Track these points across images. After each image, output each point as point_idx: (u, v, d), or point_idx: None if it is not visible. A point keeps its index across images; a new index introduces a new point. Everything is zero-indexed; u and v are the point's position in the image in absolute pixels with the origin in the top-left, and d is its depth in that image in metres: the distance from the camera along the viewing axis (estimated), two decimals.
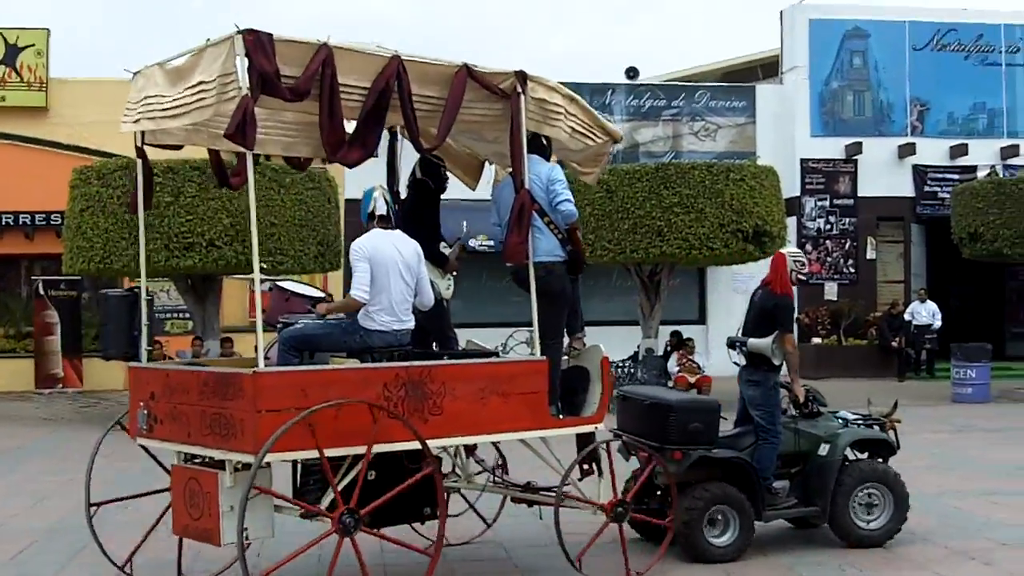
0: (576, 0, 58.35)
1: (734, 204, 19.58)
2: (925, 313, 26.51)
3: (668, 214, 19.46)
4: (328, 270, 20.86)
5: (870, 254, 28.20)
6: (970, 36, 28.65)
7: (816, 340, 26.58)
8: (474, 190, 9.88)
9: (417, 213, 9.14)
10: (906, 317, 26.65)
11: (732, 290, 26.80)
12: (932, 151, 28.22)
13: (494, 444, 9.46)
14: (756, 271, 25.17)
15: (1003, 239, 21.98)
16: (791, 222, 22.71)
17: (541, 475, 9.14)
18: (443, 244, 9.31)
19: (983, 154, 28.28)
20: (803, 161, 27.63)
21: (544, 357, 8.33)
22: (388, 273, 7.99)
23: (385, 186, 8.55)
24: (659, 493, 9.41)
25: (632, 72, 28.88)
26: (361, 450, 7.44)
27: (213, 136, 8.55)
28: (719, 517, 9.14)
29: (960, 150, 28.20)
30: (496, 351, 9.04)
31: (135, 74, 8.18)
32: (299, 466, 8.13)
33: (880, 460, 9.92)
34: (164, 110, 7.70)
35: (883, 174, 28.02)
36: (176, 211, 17.87)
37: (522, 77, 8.21)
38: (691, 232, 19.51)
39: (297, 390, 7.26)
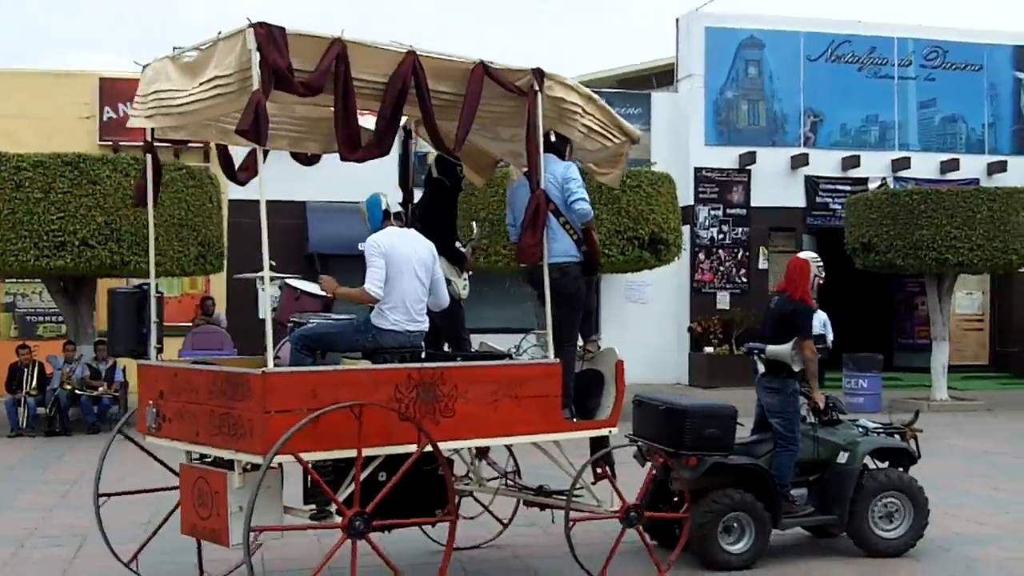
0: (469, 7, 57.64)
1: (630, 211, 19.00)
2: (817, 323, 26.02)
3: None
4: (210, 272, 19.96)
5: (762, 264, 27.81)
6: (864, 48, 28.36)
7: (708, 349, 26.28)
8: (481, 188, 9.76)
9: (433, 212, 9.02)
10: None
11: (626, 299, 26.38)
12: (824, 162, 27.96)
13: (507, 448, 9.35)
14: (652, 279, 24.97)
15: (896, 250, 21.82)
16: (685, 230, 22.47)
17: (556, 479, 9.03)
18: (459, 243, 9.20)
19: (875, 166, 28.07)
20: (697, 170, 27.07)
21: (558, 360, 8.21)
22: (402, 272, 7.87)
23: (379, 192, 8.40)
24: (675, 499, 9.27)
25: None
26: (372, 452, 7.35)
27: (222, 131, 8.44)
28: (734, 524, 8.98)
29: (852, 161, 27.97)
30: (509, 353, 8.91)
31: (144, 67, 8.08)
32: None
33: (900, 469, 9.77)
34: (179, 105, 7.60)
35: (776, 184, 27.66)
36: (46, 208, 16.91)
37: (539, 74, 8.07)
38: None
39: (307, 391, 7.14)
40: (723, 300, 27.21)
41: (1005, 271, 24.43)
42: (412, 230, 8.18)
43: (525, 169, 8.38)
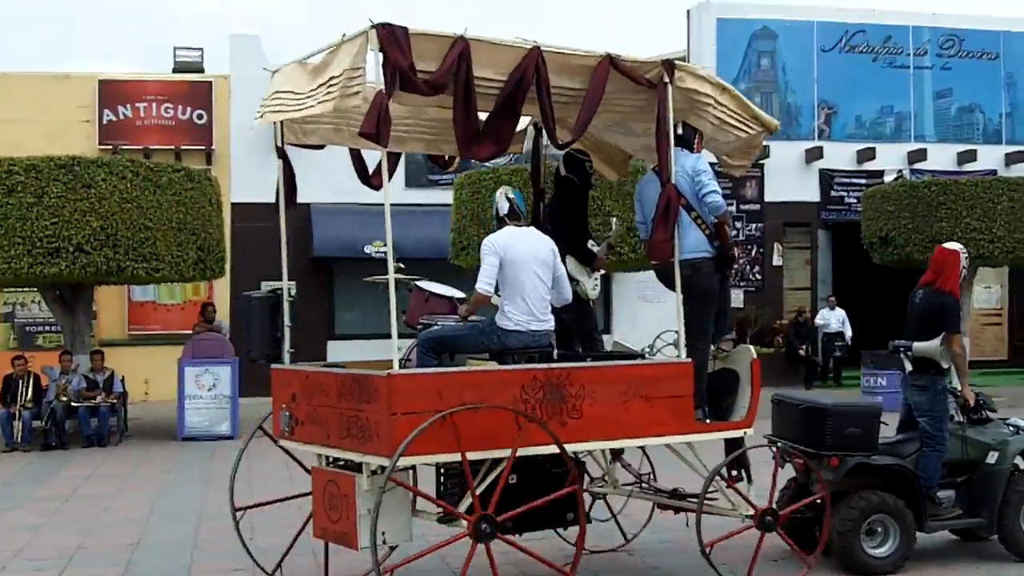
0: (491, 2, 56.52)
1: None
2: (835, 321, 25.69)
3: None
4: (210, 277, 19.17)
5: (776, 260, 27.13)
6: (878, 38, 27.42)
7: None
8: (615, 182, 9.60)
9: (563, 211, 8.89)
10: (818, 323, 25.86)
11: (638, 298, 25.54)
12: (839, 155, 27.08)
13: (642, 450, 9.18)
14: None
15: (914, 244, 21.05)
16: None
17: (692, 482, 8.83)
18: (591, 242, 9.05)
19: (891, 158, 27.11)
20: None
21: (689, 359, 8.00)
22: (521, 270, 7.72)
23: (510, 187, 8.28)
24: (818, 502, 8.97)
25: None
26: (499, 454, 7.26)
27: (354, 135, 8.44)
28: (878, 527, 8.65)
29: (867, 154, 27.04)
30: (642, 353, 8.73)
31: (274, 72, 8.12)
32: (442, 471, 7.96)
33: None
34: (291, 105, 7.63)
35: (790, 179, 26.85)
36: (40, 213, 16.32)
37: (669, 66, 7.87)
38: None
39: (432, 392, 7.06)
40: (737, 298, 26.03)
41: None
42: (532, 228, 8.05)
43: (655, 164, 8.20)
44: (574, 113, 7.71)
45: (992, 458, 9.11)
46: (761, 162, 26.50)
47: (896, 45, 27.75)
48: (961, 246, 9.53)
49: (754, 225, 27.33)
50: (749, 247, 27.16)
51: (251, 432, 8.74)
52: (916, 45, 27.96)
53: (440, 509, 7.51)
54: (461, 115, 7.19)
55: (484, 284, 7.67)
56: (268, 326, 8.34)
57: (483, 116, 7.47)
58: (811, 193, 27.16)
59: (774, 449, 8.77)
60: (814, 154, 27.10)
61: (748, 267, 27.19)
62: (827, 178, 27.34)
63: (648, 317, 24.71)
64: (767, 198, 27.12)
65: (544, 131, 7.83)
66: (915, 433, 9.15)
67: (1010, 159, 28.11)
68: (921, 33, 27.94)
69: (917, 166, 27.37)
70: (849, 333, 25.59)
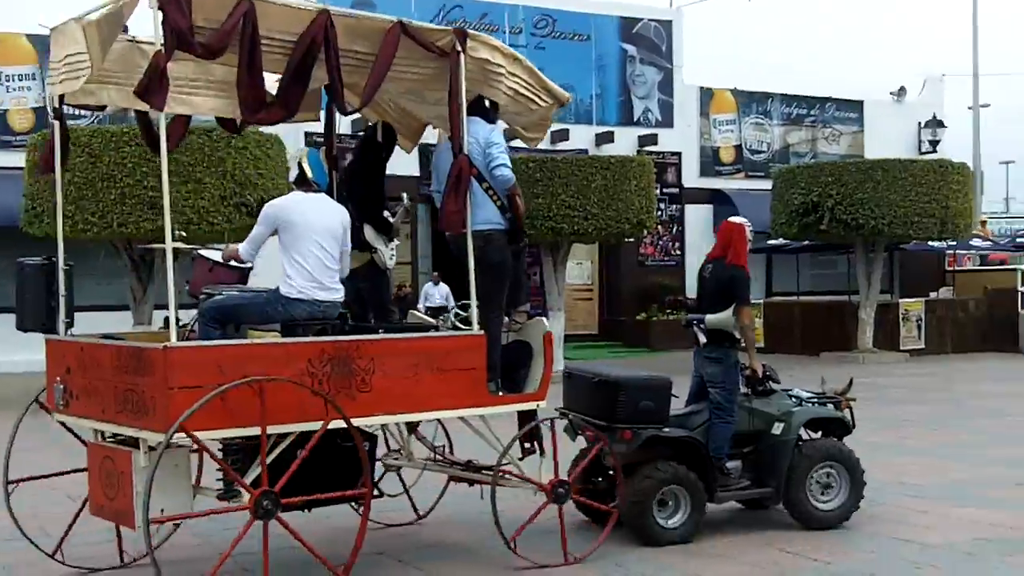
0: None
1: (236, 174, 17.34)
2: (439, 296, 25.69)
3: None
4: None
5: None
6: (475, 14, 27.55)
7: None
8: (409, 153, 9.39)
9: (362, 178, 8.65)
10: (421, 298, 25.78)
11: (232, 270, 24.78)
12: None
13: (439, 423, 9.03)
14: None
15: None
16: None
17: (487, 455, 8.71)
18: (386, 212, 8.84)
19: None
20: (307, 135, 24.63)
21: (482, 331, 7.87)
22: (302, 238, 7.46)
23: (310, 150, 8.03)
24: (609, 473, 8.97)
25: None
26: (285, 429, 7.00)
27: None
28: (670, 499, 8.66)
29: None
30: (436, 325, 8.57)
31: (52, 30, 7.66)
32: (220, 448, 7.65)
33: (835, 439, 9.50)
34: (83, 67, 7.20)
35: (401, 154, 26.31)
36: None
37: (461, 35, 7.67)
38: (188, 205, 16.72)
39: (213, 366, 6.75)
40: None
41: (617, 240, 24.60)
42: (322, 195, 7.79)
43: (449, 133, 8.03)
44: (361, 79, 7.47)
45: (778, 429, 9.20)
46: (359, 133, 25.14)
47: (492, 22, 27.49)
48: (746, 220, 9.62)
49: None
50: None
51: (27, 405, 8.26)
52: (512, 23, 28.05)
53: (220, 487, 7.23)
54: (245, 77, 6.88)
55: (246, 248, 7.55)
56: (43, 295, 7.89)
57: (273, 78, 7.20)
58: (411, 167, 25.44)
59: (567, 421, 8.74)
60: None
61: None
62: (427, 152, 26.86)
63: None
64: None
65: (333, 97, 7.55)
66: (703, 405, 9.18)
67: (600, 139, 28.81)
68: (516, 12, 28.00)
69: (512, 144, 27.14)
70: (452, 306, 25.12)
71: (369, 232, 8.40)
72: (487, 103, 8.14)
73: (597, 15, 29.15)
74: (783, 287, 32.02)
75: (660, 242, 30.38)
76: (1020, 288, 28.59)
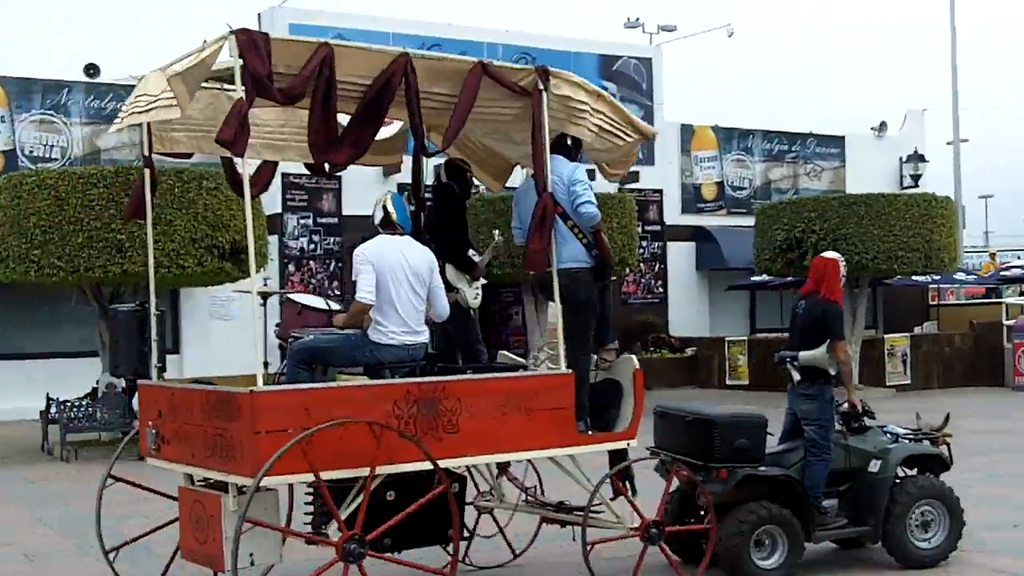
0: None
1: (208, 216, 16.60)
2: None
3: (131, 226, 15.33)
4: None
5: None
6: (454, 51, 26.24)
7: None
8: (496, 193, 9.36)
9: (442, 219, 8.63)
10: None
11: (210, 315, 24.19)
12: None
13: (529, 463, 8.93)
14: (238, 293, 20.96)
15: None
16: (273, 240, 21.44)
17: (579, 495, 8.59)
18: (472, 251, 8.80)
19: None
20: (285, 175, 24.53)
21: (570, 370, 7.76)
22: (393, 281, 7.43)
23: (394, 193, 8.02)
24: (701, 513, 8.77)
25: (92, 70, 24.64)
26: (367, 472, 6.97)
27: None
28: (766, 539, 8.43)
29: None
30: (526, 364, 8.48)
31: (139, 79, 7.78)
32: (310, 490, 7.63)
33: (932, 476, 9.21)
34: (142, 107, 7.29)
35: (369, 191, 25.04)
36: None
37: (543, 73, 7.62)
38: (158, 247, 14.58)
39: (299, 409, 6.73)
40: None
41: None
42: (407, 237, 7.76)
43: (532, 171, 7.98)
44: (447, 120, 7.46)
45: (875, 466, 8.94)
46: (339, 175, 24.28)
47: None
48: (839, 255, 9.42)
49: (332, 239, 26.25)
50: (327, 261, 26.20)
51: (111, 461, 8.24)
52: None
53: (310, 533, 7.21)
54: (318, 118, 6.90)
55: (364, 293, 7.37)
56: (136, 341, 7.99)
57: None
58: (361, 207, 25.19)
59: (659, 461, 8.58)
60: (391, 168, 25.93)
61: (327, 282, 26.03)
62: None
63: (222, 335, 23.49)
64: (345, 211, 26.01)
65: (414, 136, 7.54)
66: (798, 442, 8.95)
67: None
68: (496, 49, 27.09)
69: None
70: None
71: (451, 272, 8.37)
72: (569, 141, 8.06)
73: (577, 52, 28.53)
74: (767, 324, 30.80)
75: (643, 280, 29.82)
76: (1005, 322, 27.56)
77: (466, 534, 8.56)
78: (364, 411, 6.89)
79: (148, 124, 7.73)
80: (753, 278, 26.75)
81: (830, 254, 9.39)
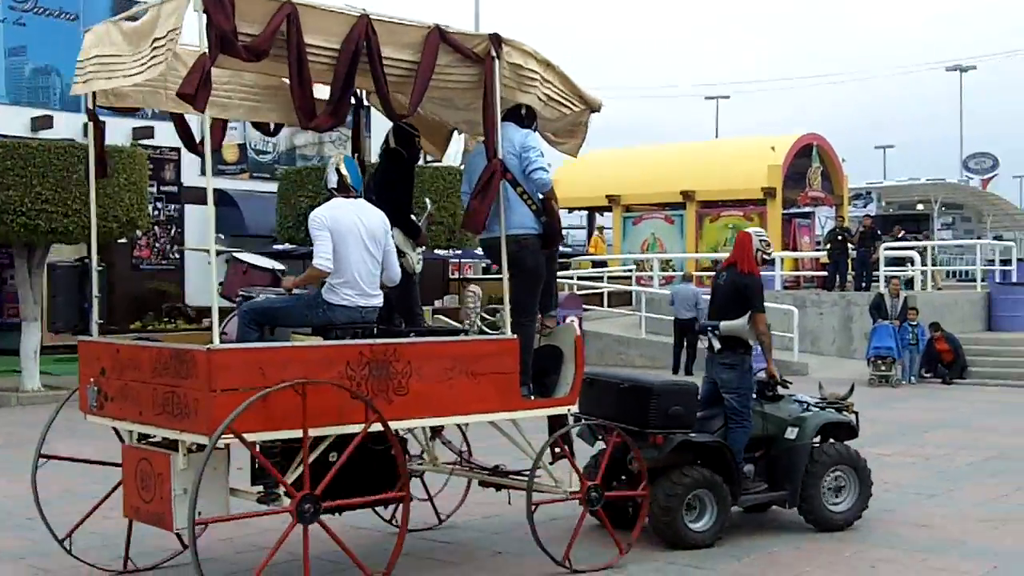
0: None
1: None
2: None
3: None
4: None
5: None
6: None
7: None
8: (440, 160, 9.28)
9: (389, 183, 8.49)
10: None
11: None
12: None
13: (460, 428, 8.89)
14: None
15: None
16: None
17: (507, 459, 8.59)
18: (413, 216, 8.71)
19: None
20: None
21: (515, 336, 7.75)
22: (349, 245, 7.29)
23: (346, 156, 7.89)
24: (624, 478, 8.82)
25: None
26: (322, 432, 6.87)
27: (173, 98, 7.89)
28: (696, 503, 8.56)
29: None
30: (465, 329, 8.45)
31: (86, 32, 7.52)
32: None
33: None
34: (119, 69, 7.07)
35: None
36: None
37: (497, 40, 7.52)
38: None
39: (254, 368, 6.57)
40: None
41: (105, 241, 19.80)
42: (362, 200, 7.61)
43: (481, 138, 7.91)
44: (405, 86, 7.32)
45: (792, 433, 9.16)
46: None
47: None
48: (759, 229, 9.65)
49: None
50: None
51: (55, 410, 8.01)
52: None
53: (260, 488, 7.09)
54: (297, 87, 6.74)
55: (323, 260, 7.21)
56: (75, 296, 7.73)
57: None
58: None
59: (587, 427, 8.64)
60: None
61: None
62: None
63: None
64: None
65: (367, 101, 7.41)
66: (718, 410, 9.09)
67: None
68: None
69: None
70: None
71: (398, 236, 8.26)
72: (523, 110, 8.02)
73: None
74: None
75: (157, 244, 27.13)
76: None
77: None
78: (317, 372, 6.78)
79: None
80: (276, 246, 24.25)
81: (750, 229, 9.59)
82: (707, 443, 8.72)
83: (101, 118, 7.82)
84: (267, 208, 24.43)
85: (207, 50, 6.43)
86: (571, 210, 35.91)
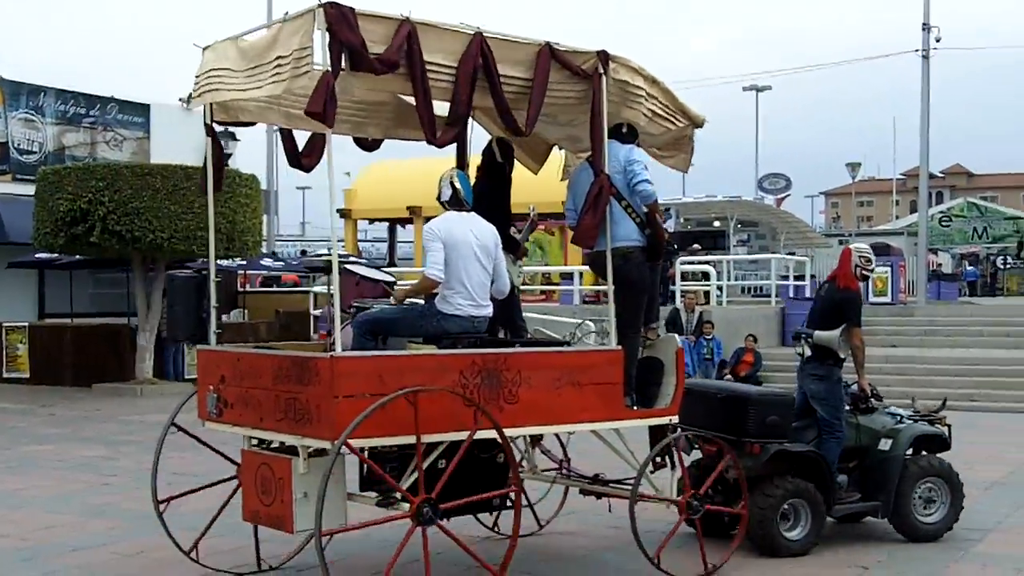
0: None
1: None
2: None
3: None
4: None
5: None
6: None
7: None
8: (536, 174, 9.33)
9: (490, 197, 8.59)
10: None
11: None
12: None
13: (557, 437, 8.95)
14: None
15: None
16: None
17: (605, 467, 8.64)
18: (513, 229, 8.79)
19: None
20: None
21: (620, 347, 7.80)
22: (463, 256, 7.37)
23: (459, 171, 7.97)
24: (719, 488, 8.83)
25: None
26: (437, 439, 6.96)
27: (286, 114, 8.04)
28: (791, 512, 8.57)
29: None
30: (567, 340, 8.51)
31: (204, 48, 7.68)
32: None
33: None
34: (231, 85, 7.22)
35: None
36: None
37: (604, 57, 7.60)
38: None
39: (374, 376, 6.66)
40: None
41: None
42: (473, 214, 7.70)
43: (586, 154, 7.98)
44: (516, 103, 7.41)
45: (885, 445, 9.16)
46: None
47: None
48: (862, 245, 9.61)
49: None
50: None
51: (167, 423, 8.13)
52: None
53: (378, 495, 7.18)
54: (421, 102, 6.84)
55: (435, 270, 7.28)
56: (193, 306, 7.88)
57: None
58: None
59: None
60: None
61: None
62: None
63: None
64: None
65: (502, 118, 7.48)
66: (810, 420, 9.11)
67: None
68: None
69: None
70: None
71: None
72: (624, 127, 8.08)
73: None
74: (59, 308, 26.56)
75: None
76: (312, 312, 25.92)
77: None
78: (433, 379, 6.86)
79: None
80: (39, 255, 22.89)
81: (852, 244, 9.62)
82: (802, 453, 8.73)
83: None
84: (30, 212, 21.98)
85: (330, 67, 6.54)
86: (372, 221, 35.24)
